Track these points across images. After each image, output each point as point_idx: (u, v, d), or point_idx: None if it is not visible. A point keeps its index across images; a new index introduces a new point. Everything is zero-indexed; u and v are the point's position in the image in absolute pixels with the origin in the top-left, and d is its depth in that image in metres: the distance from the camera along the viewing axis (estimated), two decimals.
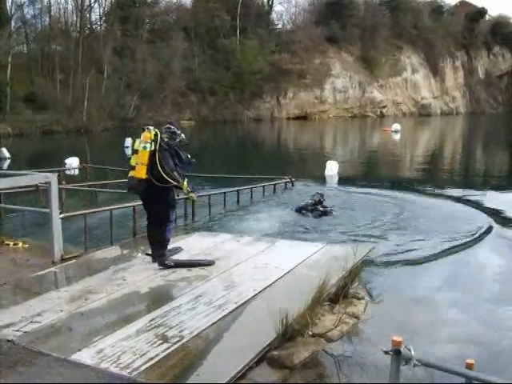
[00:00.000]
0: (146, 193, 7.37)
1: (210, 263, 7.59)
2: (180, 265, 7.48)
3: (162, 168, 7.12)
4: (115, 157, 27.02)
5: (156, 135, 7.22)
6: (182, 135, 7.78)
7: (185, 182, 7.40)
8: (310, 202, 12.63)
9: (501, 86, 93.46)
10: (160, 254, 7.48)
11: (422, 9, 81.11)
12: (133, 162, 7.27)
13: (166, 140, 7.39)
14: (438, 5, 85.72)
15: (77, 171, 19.00)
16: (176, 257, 7.80)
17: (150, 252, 7.72)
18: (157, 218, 7.61)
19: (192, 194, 7.78)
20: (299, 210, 12.53)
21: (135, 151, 7.31)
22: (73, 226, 9.58)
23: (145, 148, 7.12)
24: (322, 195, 12.92)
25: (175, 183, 7.27)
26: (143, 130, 7.33)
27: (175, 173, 7.26)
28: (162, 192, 7.34)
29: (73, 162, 20.44)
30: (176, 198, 8.02)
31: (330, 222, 11.63)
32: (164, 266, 7.38)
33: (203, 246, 8.34)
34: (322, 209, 12.31)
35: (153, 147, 7.15)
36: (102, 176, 17.41)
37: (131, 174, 7.27)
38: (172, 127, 7.67)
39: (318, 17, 72.80)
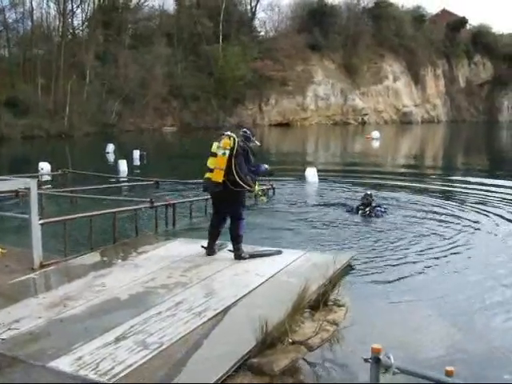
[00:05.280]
0: (219, 194, 8.04)
1: (278, 253, 8.46)
2: (253, 256, 8.25)
3: (237, 174, 7.76)
4: (96, 162, 26.89)
5: (234, 141, 7.79)
6: (256, 142, 8.56)
7: (256, 187, 8.24)
8: (359, 203, 12.90)
9: (481, 94, 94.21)
10: (236, 248, 8.22)
11: (403, 17, 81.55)
12: (210, 165, 7.89)
13: (241, 144, 7.94)
14: (419, 13, 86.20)
15: (57, 176, 18.81)
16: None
17: (205, 245, 8.45)
18: (230, 216, 8.31)
19: (263, 197, 8.70)
20: (350, 211, 12.85)
21: (213, 154, 7.88)
22: (52, 231, 9.50)
23: (224, 154, 7.75)
24: (370, 195, 13.00)
25: (248, 187, 7.97)
26: (222, 135, 7.95)
27: (248, 177, 7.94)
28: (236, 194, 8.01)
29: (44, 167, 20.27)
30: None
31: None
32: (240, 258, 8.12)
33: (184, 253, 8.32)
34: (367, 209, 12.55)
35: (230, 153, 7.73)
36: (82, 181, 17.31)
37: (208, 175, 7.96)
38: (248, 132, 8.35)
39: (301, 24, 72.87)
